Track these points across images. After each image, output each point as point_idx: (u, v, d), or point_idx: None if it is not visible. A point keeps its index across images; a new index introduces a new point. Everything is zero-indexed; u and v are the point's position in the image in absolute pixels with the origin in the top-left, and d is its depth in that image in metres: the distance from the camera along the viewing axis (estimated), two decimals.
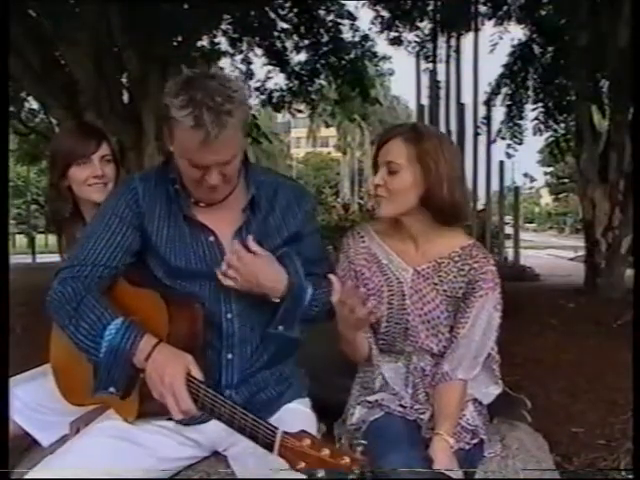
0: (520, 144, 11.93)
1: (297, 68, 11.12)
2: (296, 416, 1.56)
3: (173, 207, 1.55)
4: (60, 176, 1.98)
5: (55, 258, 2.15)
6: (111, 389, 1.38)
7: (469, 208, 1.78)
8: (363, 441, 1.20)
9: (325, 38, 10.72)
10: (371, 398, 1.73)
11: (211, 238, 1.55)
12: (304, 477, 1.18)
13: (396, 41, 11.53)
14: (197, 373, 1.33)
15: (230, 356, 1.56)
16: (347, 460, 1.15)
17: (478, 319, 1.69)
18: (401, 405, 1.71)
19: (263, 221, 1.59)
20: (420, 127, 1.75)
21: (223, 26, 10.01)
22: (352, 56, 11.12)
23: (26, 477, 1.38)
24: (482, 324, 1.69)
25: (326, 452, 1.16)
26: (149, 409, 1.43)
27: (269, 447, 1.22)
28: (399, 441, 1.56)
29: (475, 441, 1.67)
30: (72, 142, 1.98)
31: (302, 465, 1.17)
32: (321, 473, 1.15)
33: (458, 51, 12.44)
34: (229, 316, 1.55)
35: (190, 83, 1.38)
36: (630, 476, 2.64)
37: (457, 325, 1.71)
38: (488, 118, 12.58)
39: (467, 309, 1.70)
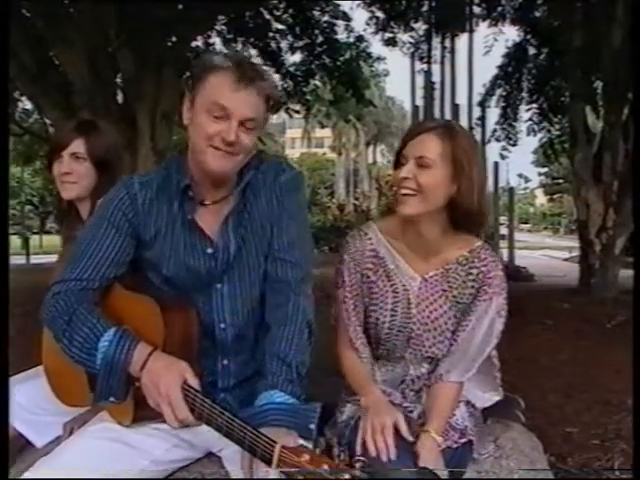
0: (514, 145, 11.98)
1: (292, 69, 11.13)
2: None
3: (175, 214, 1.51)
4: (48, 171, 2.01)
5: (50, 259, 2.16)
6: (111, 399, 1.37)
7: (487, 217, 1.72)
8: (362, 457, 1.18)
9: (320, 39, 10.73)
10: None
11: (209, 250, 1.51)
12: (299, 477, 1.18)
13: (391, 42, 11.56)
14: (193, 381, 1.31)
15: (226, 362, 1.55)
16: (346, 477, 1.13)
17: (479, 323, 1.66)
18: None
19: (244, 204, 1.53)
20: (455, 125, 1.67)
21: (218, 27, 10.03)
22: (347, 57, 11.13)
23: (20, 478, 1.37)
24: (483, 329, 1.66)
25: (325, 468, 1.15)
26: (145, 413, 1.41)
27: (267, 461, 1.20)
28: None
29: (463, 440, 1.65)
30: (53, 138, 2.01)
31: None
32: None
33: (452, 52, 12.46)
34: (222, 326, 1.53)
35: None
36: (624, 476, 2.65)
37: (458, 328, 1.68)
38: (482, 119, 12.61)
39: (470, 312, 1.67)
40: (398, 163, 1.64)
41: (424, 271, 1.68)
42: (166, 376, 1.30)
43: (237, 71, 1.41)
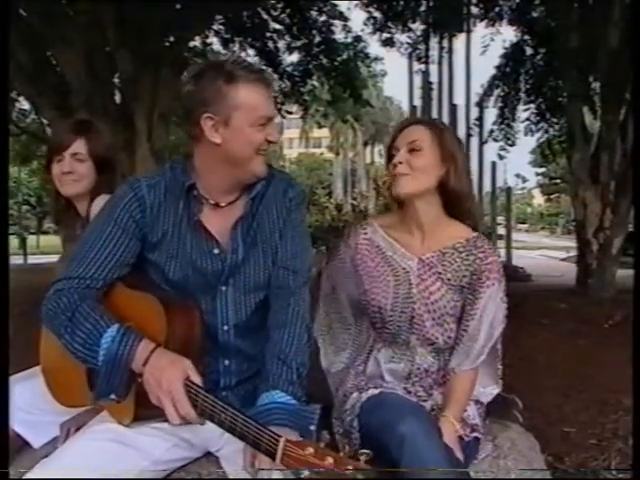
0: (512, 145, 12.00)
1: (289, 69, 11.14)
2: None
3: (181, 214, 1.52)
4: (46, 171, 2.02)
5: (46, 259, 2.16)
6: (112, 396, 1.36)
7: (478, 212, 1.85)
8: (367, 450, 1.17)
9: (317, 39, 10.74)
10: (372, 383, 1.74)
11: (216, 250, 1.52)
12: (295, 477, 1.18)
13: (388, 42, 11.56)
14: (196, 378, 1.32)
15: (227, 362, 1.56)
16: (351, 469, 1.13)
17: (486, 309, 1.71)
18: (404, 389, 1.73)
19: (255, 214, 1.57)
20: (439, 121, 1.85)
21: (215, 26, 10.02)
22: (344, 57, 11.15)
23: (21, 478, 1.37)
24: (490, 315, 1.71)
25: (330, 461, 1.14)
26: (145, 412, 1.41)
27: (271, 455, 1.20)
28: (413, 406, 1.58)
29: (474, 435, 1.69)
30: (52, 139, 2.04)
31: (305, 474, 1.15)
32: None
33: (450, 52, 12.50)
34: (225, 328, 1.54)
35: None
36: (621, 475, 2.65)
37: (466, 318, 1.73)
38: (480, 119, 12.64)
39: (475, 301, 1.72)
40: (390, 156, 1.76)
41: (420, 253, 1.76)
42: (169, 372, 1.30)
43: (266, 78, 1.52)
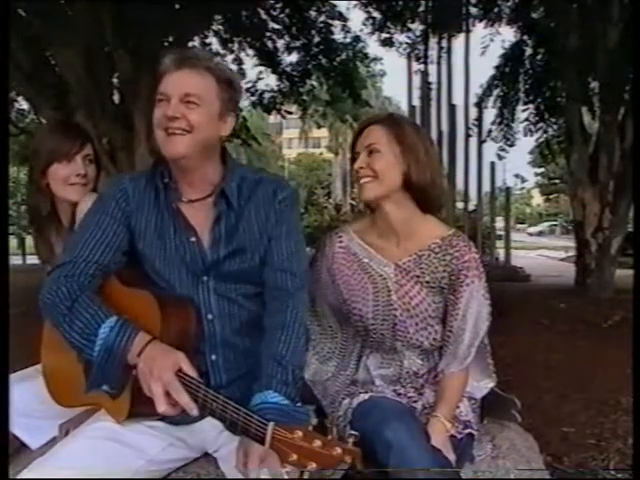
0: (511, 146, 12.00)
1: (288, 69, 11.12)
2: None
3: (161, 204, 1.56)
4: (40, 173, 1.96)
5: None
6: (104, 387, 1.37)
7: (446, 197, 1.83)
8: (355, 432, 1.19)
9: (316, 39, 10.73)
10: (363, 389, 1.74)
11: (192, 239, 1.55)
12: (294, 478, 1.18)
13: (387, 42, 11.57)
14: (189, 369, 1.32)
15: (214, 357, 1.55)
16: (339, 451, 1.15)
17: (469, 308, 1.70)
18: (394, 391, 1.74)
19: (240, 214, 1.57)
20: (396, 115, 1.80)
21: (214, 26, 10.01)
22: (343, 57, 11.14)
23: (20, 478, 1.37)
24: (473, 313, 1.70)
25: (318, 443, 1.16)
26: (140, 410, 1.42)
27: (261, 440, 1.21)
28: (400, 411, 1.58)
29: (467, 432, 1.68)
30: (57, 140, 1.96)
31: (294, 457, 1.16)
32: (311, 465, 1.15)
33: (449, 52, 12.50)
34: (210, 317, 1.54)
35: None
36: (620, 475, 2.65)
37: (449, 319, 1.72)
38: (479, 119, 12.64)
39: (457, 300, 1.71)
40: (354, 160, 1.75)
41: (397, 258, 1.74)
42: (160, 361, 1.32)
43: (172, 59, 1.57)
